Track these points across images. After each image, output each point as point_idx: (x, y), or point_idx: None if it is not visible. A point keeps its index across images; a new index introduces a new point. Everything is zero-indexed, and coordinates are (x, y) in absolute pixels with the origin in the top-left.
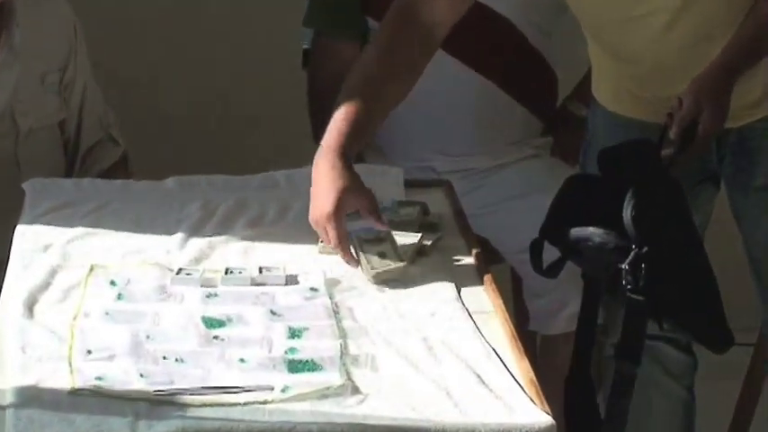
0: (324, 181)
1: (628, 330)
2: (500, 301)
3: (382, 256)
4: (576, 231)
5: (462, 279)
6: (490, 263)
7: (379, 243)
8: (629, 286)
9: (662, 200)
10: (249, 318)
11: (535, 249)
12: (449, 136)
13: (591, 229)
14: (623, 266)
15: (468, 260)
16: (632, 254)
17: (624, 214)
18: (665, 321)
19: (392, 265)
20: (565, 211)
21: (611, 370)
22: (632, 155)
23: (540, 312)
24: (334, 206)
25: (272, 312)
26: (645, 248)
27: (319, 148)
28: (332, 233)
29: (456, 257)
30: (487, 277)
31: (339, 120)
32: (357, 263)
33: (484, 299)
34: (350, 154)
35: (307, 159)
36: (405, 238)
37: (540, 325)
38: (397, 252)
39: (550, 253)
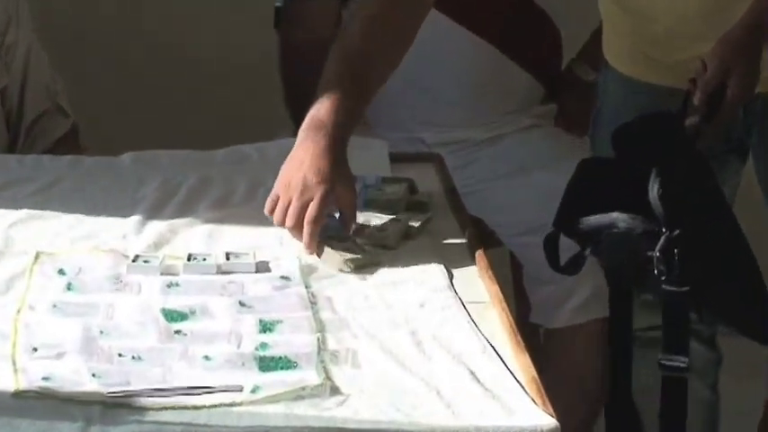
0: (311, 165)
1: (668, 327)
2: (497, 290)
3: (349, 250)
4: (597, 219)
5: (455, 265)
6: (486, 247)
7: (344, 240)
8: (662, 277)
9: (690, 176)
10: (215, 310)
11: (550, 244)
12: (439, 104)
13: (614, 214)
14: (654, 254)
15: (462, 244)
16: (663, 238)
17: (650, 195)
18: (706, 312)
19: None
20: (580, 198)
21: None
22: (652, 130)
23: (542, 302)
24: (318, 205)
25: (241, 304)
26: (676, 231)
27: (308, 121)
28: (308, 235)
29: (448, 241)
30: (483, 263)
31: (332, 92)
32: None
33: (479, 287)
34: (346, 136)
35: (281, 130)
36: (390, 221)
37: (542, 317)
38: (365, 250)
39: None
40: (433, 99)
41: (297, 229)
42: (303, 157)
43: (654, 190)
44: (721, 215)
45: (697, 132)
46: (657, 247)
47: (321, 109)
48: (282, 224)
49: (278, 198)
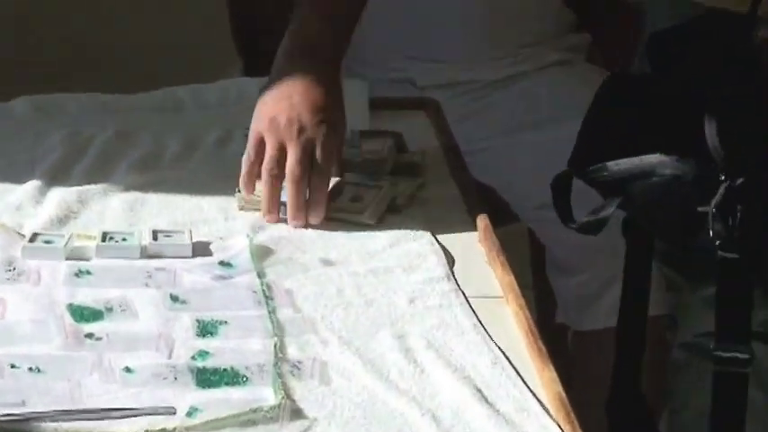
0: (304, 99)
1: (725, 307)
2: (512, 281)
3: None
4: (630, 162)
5: (455, 247)
6: (498, 223)
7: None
8: (717, 240)
9: (760, 108)
10: (138, 306)
11: (560, 190)
12: (434, 32)
13: (656, 156)
14: (710, 209)
15: (465, 219)
16: (721, 189)
17: (707, 131)
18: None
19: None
20: (605, 129)
21: (682, 384)
22: (708, 40)
23: (571, 297)
24: (328, 152)
25: (173, 298)
26: (739, 180)
27: (290, 43)
28: (323, 196)
29: (446, 215)
30: (493, 245)
31: (316, 4)
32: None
33: (488, 277)
34: (340, 60)
35: (225, 68)
36: (368, 188)
37: (571, 316)
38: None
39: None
40: (426, 25)
41: (301, 184)
42: (291, 91)
43: (712, 125)
44: None
45: None
46: (713, 201)
47: (306, 27)
48: (276, 180)
49: (260, 148)
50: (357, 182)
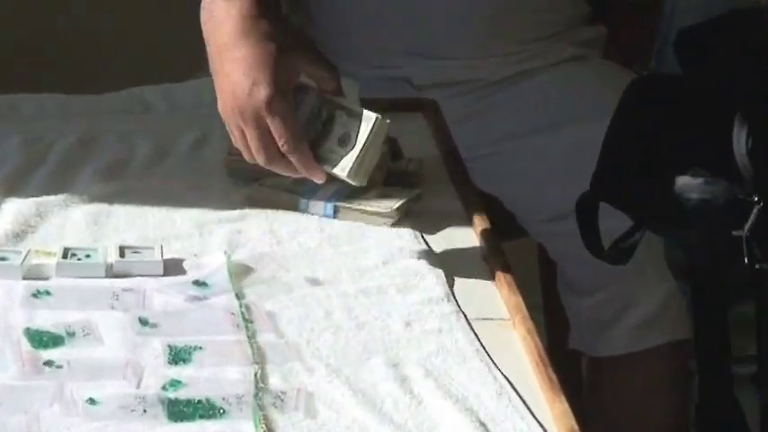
0: (237, 68)
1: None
2: (519, 301)
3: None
4: (656, 185)
5: (456, 265)
6: (504, 238)
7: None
8: (757, 265)
9: None
10: (103, 330)
11: (585, 213)
12: (433, 26)
13: (683, 179)
14: (743, 233)
15: (466, 233)
16: (755, 211)
17: (735, 147)
18: None
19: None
20: (630, 145)
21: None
22: (740, 37)
23: (585, 320)
24: (280, 118)
25: (142, 321)
26: None
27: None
28: (299, 164)
29: (446, 229)
30: (498, 262)
31: None
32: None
33: (492, 297)
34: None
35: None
36: (359, 198)
37: (586, 340)
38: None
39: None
40: (423, 16)
41: (280, 161)
42: (229, 68)
43: (741, 138)
44: None
45: None
46: (747, 225)
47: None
48: (266, 164)
49: (241, 136)
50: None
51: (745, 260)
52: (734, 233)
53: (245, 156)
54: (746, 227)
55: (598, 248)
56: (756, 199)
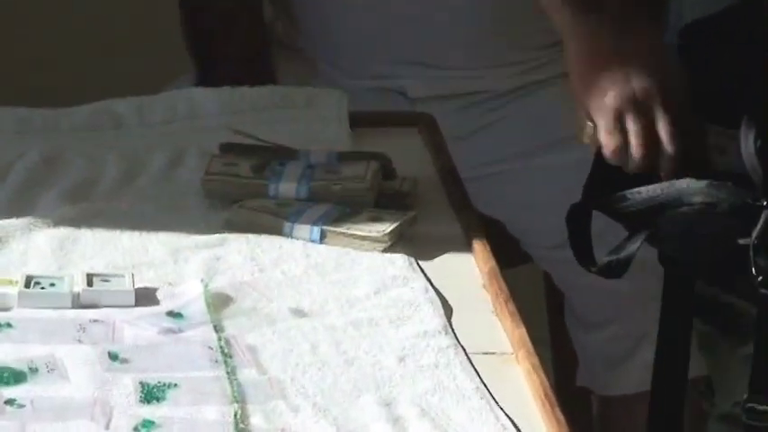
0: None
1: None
2: (523, 334)
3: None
4: (655, 190)
5: (455, 294)
6: (507, 265)
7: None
8: (760, 276)
9: None
10: (70, 366)
11: (576, 224)
12: (430, 32)
13: (685, 181)
14: (751, 241)
15: (465, 259)
16: (763, 217)
17: (743, 149)
18: None
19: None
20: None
21: None
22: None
23: (595, 355)
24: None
25: (112, 356)
26: None
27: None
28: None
29: (442, 254)
30: (500, 290)
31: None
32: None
33: (494, 330)
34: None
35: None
36: (348, 221)
37: (596, 378)
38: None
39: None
40: (419, 21)
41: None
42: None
43: (749, 140)
44: None
45: None
46: (755, 232)
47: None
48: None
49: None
50: (334, 214)
51: (752, 270)
52: (740, 242)
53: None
54: (754, 234)
55: (589, 260)
56: (766, 203)
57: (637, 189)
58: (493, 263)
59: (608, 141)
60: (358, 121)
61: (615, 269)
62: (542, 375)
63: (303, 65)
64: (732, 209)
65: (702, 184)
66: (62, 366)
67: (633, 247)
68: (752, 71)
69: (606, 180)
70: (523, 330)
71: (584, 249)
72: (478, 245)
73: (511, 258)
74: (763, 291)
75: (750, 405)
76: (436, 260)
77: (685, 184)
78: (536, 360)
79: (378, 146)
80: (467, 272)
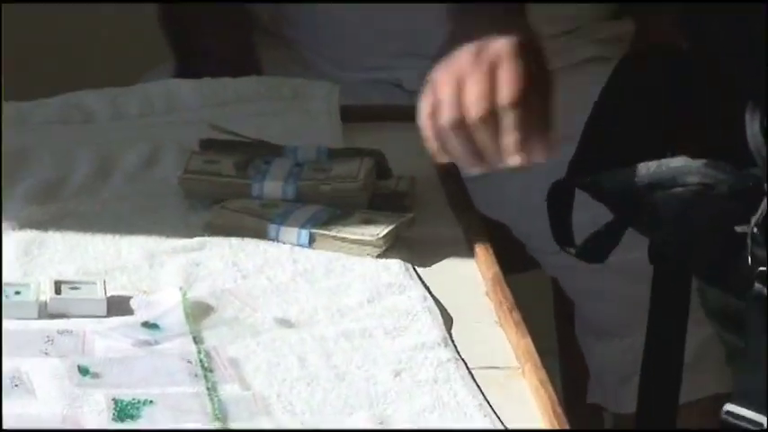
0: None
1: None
2: (529, 345)
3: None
4: (647, 167)
5: (456, 303)
6: (512, 270)
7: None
8: (759, 267)
9: None
10: (36, 381)
11: (557, 203)
12: (428, 18)
13: (681, 159)
14: (749, 229)
15: (467, 265)
16: (765, 202)
17: (748, 128)
18: None
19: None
20: (618, 125)
21: None
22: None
23: (608, 368)
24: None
25: (83, 370)
26: None
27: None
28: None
29: (442, 260)
30: (504, 298)
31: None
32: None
33: (498, 341)
34: None
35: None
36: (338, 223)
37: (608, 394)
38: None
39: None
40: (416, 9)
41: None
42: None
43: (755, 119)
44: None
45: None
46: (754, 219)
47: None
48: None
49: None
50: (324, 216)
51: (749, 261)
52: (737, 229)
53: None
54: (753, 220)
55: (568, 240)
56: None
57: (626, 168)
58: (496, 269)
59: (425, 102)
60: (350, 114)
61: (595, 253)
62: (551, 391)
63: (291, 54)
64: (732, 191)
65: (700, 162)
66: (28, 381)
67: (618, 232)
68: (755, 47)
69: (594, 155)
70: (530, 342)
71: (562, 229)
72: (481, 249)
73: (516, 264)
74: (757, 285)
75: (728, 410)
76: (435, 266)
77: (681, 163)
78: (544, 374)
79: (371, 142)
80: (468, 278)
